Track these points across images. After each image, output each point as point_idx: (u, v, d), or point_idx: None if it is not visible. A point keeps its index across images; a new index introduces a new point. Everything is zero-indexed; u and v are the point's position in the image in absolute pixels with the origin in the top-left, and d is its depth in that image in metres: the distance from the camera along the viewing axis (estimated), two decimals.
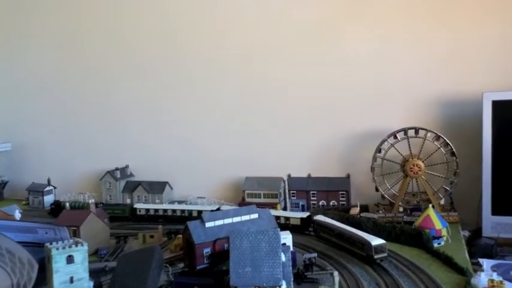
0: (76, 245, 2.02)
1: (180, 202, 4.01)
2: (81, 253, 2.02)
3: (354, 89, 3.85)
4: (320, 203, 3.81)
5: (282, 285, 2.03)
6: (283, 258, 2.10)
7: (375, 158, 3.49)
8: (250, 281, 2.05)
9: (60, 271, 1.97)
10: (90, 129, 4.63)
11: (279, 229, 2.19)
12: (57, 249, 1.97)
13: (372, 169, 3.50)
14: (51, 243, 2.01)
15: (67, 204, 3.65)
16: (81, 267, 2.02)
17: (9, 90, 4.91)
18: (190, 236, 2.62)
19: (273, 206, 3.68)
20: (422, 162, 3.37)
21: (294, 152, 4.03)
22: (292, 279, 2.13)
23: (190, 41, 4.22)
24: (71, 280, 2.00)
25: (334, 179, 3.83)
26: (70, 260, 1.99)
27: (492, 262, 2.90)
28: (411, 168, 3.37)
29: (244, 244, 2.13)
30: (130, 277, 2.14)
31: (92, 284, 2.09)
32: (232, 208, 3.12)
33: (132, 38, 4.40)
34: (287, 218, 3.33)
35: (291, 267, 2.13)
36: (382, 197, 3.51)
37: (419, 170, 3.36)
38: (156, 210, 3.75)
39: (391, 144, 3.44)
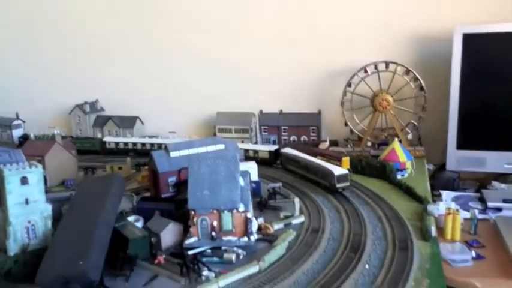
0: (30, 167, 1.99)
1: (151, 137, 3.97)
2: (35, 174, 1.98)
3: (326, 26, 3.75)
4: (291, 139, 3.80)
5: (239, 207, 2.04)
6: (241, 182, 2.11)
7: (344, 93, 3.46)
8: (208, 203, 2.06)
9: (13, 192, 1.94)
10: (59, 62, 4.47)
11: (238, 154, 2.18)
12: (10, 170, 1.94)
13: (342, 104, 3.48)
14: (4, 165, 1.97)
15: (32, 135, 3.60)
16: (36, 189, 1.99)
17: None
18: (155, 165, 2.61)
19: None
20: (391, 97, 3.36)
21: (266, 88, 3.96)
22: (251, 202, 2.14)
23: None
24: (26, 201, 1.98)
25: (305, 115, 3.80)
26: (24, 181, 1.96)
27: (453, 194, 2.97)
28: (380, 102, 3.35)
29: (202, 168, 2.12)
30: (88, 202, 2.13)
31: (50, 207, 2.07)
32: (198, 139, 3.10)
33: None
34: (255, 151, 3.33)
35: (249, 192, 2.13)
36: (351, 132, 3.52)
37: (388, 105, 3.35)
38: (126, 143, 3.73)
39: (361, 78, 3.40)
